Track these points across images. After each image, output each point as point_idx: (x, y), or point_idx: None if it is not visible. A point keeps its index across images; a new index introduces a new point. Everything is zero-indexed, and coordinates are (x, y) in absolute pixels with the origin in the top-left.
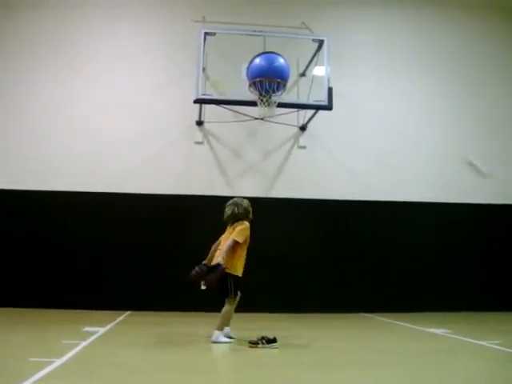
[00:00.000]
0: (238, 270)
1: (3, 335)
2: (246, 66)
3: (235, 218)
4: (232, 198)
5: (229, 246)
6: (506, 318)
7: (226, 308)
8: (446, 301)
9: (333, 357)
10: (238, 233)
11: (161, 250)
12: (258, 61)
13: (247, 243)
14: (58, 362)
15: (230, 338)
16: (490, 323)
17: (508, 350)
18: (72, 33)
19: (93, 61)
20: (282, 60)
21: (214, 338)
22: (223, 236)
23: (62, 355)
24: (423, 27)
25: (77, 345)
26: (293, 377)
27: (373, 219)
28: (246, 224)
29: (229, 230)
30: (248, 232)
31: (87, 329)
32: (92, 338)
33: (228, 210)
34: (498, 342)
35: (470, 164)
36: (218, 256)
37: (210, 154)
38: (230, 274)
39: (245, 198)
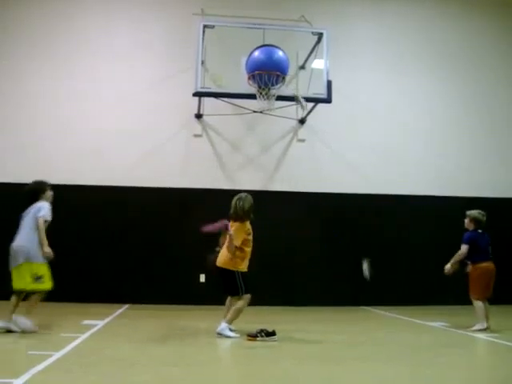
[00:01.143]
0: (240, 266)
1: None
2: (245, 59)
3: (236, 215)
4: (231, 191)
5: (233, 253)
6: (502, 312)
7: (241, 303)
8: (443, 294)
9: (332, 350)
10: (234, 236)
11: (160, 243)
12: (256, 54)
13: (249, 239)
14: (56, 356)
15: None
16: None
17: (506, 343)
18: (70, 27)
19: (92, 55)
20: (281, 53)
21: (219, 329)
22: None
23: (60, 348)
24: (423, 21)
25: (76, 338)
26: (292, 370)
27: (372, 212)
28: (237, 225)
29: (232, 224)
30: (243, 231)
31: (86, 322)
32: (91, 332)
33: (233, 205)
34: (495, 335)
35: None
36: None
37: (209, 147)
38: (235, 271)
39: (244, 190)
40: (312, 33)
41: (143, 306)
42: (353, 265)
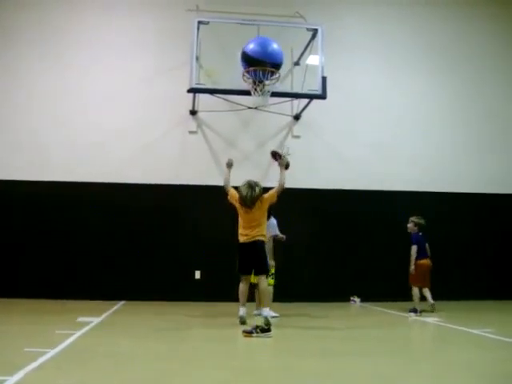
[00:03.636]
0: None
1: None
2: (239, 52)
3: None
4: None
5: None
6: (496, 307)
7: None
8: (436, 289)
9: (329, 345)
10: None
11: (155, 240)
12: (250, 47)
13: (240, 212)
14: (52, 353)
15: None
16: (481, 312)
17: (501, 338)
18: (65, 23)
19: (86, 51)
20: (275, 45)
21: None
22: (248, 216)
23: (56, 345)
24: (420, 18)
25: (71, 335)
26: (290, 365)
27: (367, 208)
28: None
29: (253, 209)
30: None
31: (81, 319)
32: (86, 328)
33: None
34: (490, 330)
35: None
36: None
37: (204, 144)
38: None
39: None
40: (307, 29)
41: (139, 302)
42: (349, 261)
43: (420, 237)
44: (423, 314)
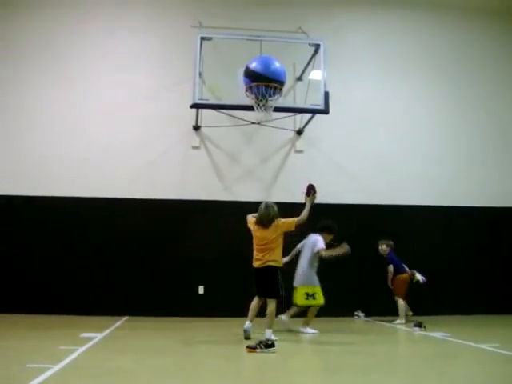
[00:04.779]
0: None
1: (0, 341)
2: (242, 70)
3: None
4: (230, 202)
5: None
6: (502, 322)
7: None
8: (443, 304)
9: (332, 361)
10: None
11: (158, 255)
12: (253, 65)
13: (255, 233)
14: (55, 368)
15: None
16: (488, 326)
17: (507, 352)
18: (69, 38)
19: (89, 67)
20: (277, 64)
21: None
22: (261, 235)
23: (59, 361)
24: (421, 31)
25: (74, 351)
26: (293, 381)
27: (371, 223)
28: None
29: (269, 228)
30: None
31: (84, 334)
32: (89, 344)
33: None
34: (496, 344)
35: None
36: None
37: (207, 159)
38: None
39: (242, 202)
40: (309, 44)
41: (142, 318)
42: (352, 275)
43: (394, 255)
44: (427, 328)
